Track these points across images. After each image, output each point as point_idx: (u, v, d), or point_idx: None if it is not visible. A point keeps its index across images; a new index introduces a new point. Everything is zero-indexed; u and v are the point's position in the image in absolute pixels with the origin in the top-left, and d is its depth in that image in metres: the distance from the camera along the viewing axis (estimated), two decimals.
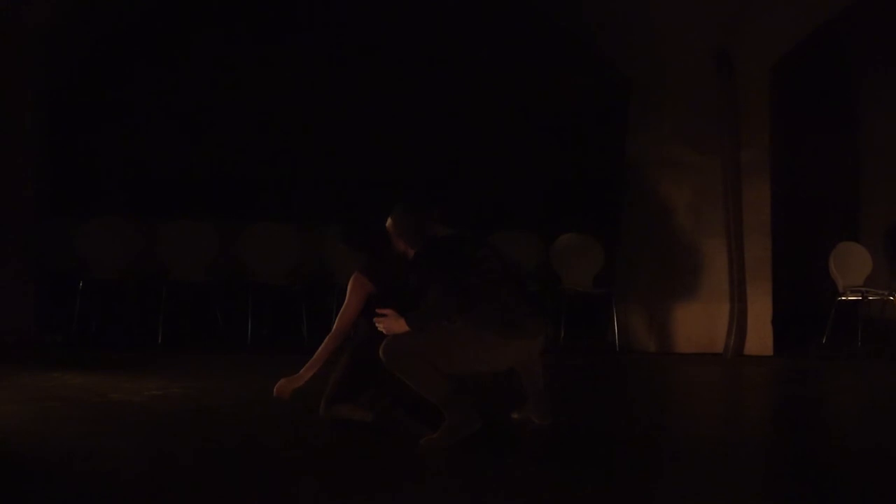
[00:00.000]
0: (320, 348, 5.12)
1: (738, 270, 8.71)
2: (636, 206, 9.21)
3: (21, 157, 8.20)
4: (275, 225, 9.15)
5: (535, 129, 10.50)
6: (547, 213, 10.13)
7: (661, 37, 8.84)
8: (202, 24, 9.96)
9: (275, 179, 9.94)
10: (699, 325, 8.82)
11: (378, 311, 4.84)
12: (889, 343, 9.35)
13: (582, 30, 9.61)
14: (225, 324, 8.83)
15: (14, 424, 5.02)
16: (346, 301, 5.18)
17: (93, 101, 9.69)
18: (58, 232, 8.74)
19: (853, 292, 9.35)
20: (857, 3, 9.02)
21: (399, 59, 10.12)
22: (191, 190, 9.63)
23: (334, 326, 5.16)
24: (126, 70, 9.86)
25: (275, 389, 5.10)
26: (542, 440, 4.98)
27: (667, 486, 4.27)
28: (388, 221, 5.05)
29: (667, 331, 8.88)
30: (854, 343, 9.22)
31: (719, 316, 8.75)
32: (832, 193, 11.39)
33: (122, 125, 9.84)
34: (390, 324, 4.75)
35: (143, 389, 6.07)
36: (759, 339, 8.70)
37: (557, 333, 8.79)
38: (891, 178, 11.09)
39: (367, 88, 10.17)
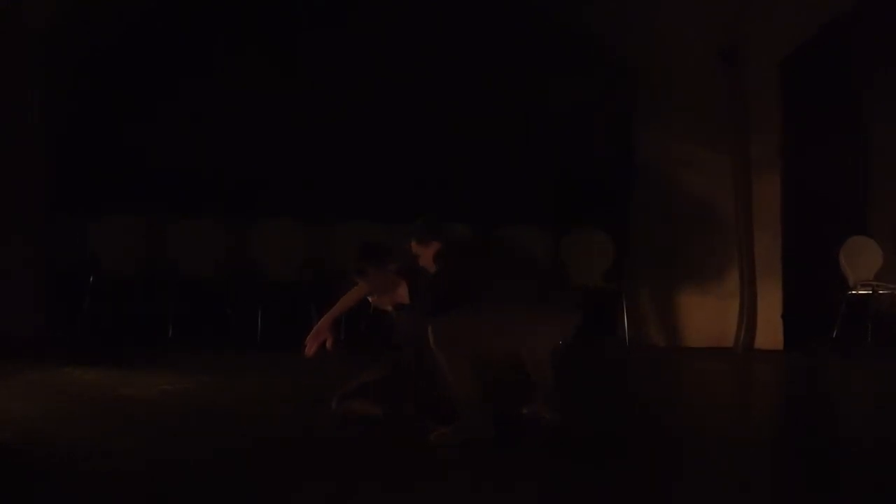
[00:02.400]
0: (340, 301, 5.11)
1: (748, 265, 8.70)
2: (646, 201, 9.19)
3: (30, 156, 8.22)
4: (284, 221, 9.16)
5: (544, 124, 10.49)
6: (557, 209, 10.11)
7: (668, 33, 8.83)
8: (209, 21, 9.95)
9: (284, 176, 9.93)
10: (709, 319, 8.80)
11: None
12: None
13: (589, 27, 9.59)
14: (235, 320, 8.84)
15: (24, 420, 5.04)
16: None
17: (102, 99, 9.69)
18: (69, 229, 8.76)
19: (863, 287, 9.31)
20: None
21: (407, 56, 10.10)
22: (200, 187, 9.63)
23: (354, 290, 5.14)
24: (135, 67, 9.86)
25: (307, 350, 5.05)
26: (551, 436, 4.97)
27: (678, 481, 4.26)
28: (412, 242, 5.07)
29: (677, 326, 8.86)
30: (864, 338, 9.18)
31: (729, 311, 8.73)
32: (842, 188, 11.34)
33: (131, 123, 9.84)
34: None
35: (153, 386, 6.08)
36: (770, 333, 8.69)
37: None
38: None
39: (375, 84, 10.15)
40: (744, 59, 8.77)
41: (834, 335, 9.21)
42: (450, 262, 4.94)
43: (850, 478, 4.31)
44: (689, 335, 8.81)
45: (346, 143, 10.14)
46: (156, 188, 9.60)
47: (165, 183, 9.67)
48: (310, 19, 10.20)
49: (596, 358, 8.31)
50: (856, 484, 4.21)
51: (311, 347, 5.07)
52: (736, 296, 8.72)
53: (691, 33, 8.75)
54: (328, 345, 5.05)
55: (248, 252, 9.06)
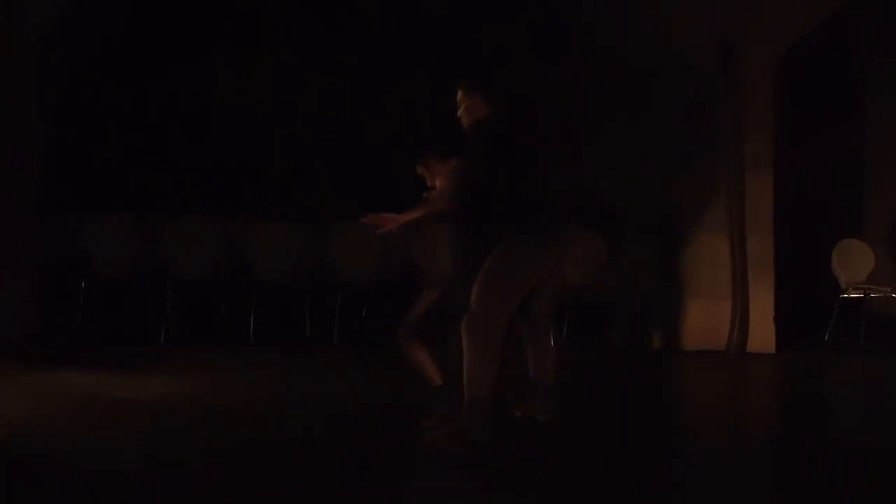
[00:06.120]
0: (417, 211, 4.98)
1: (741, 267, 8.71)
2: (640, 201, 9.22)
3: (26, 156, 8.21)
4: (279, 222, 9.15)
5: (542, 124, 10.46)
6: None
7: (666, 31, 8.84)
8: (206, 23, 9.95)
9: (279, 177, 9.94)
10: (702, 321, 8.82)
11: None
12: (891, 340, 9.34)
13: (585, 24, 9.59)
14: (228, 321, 8.83)
15: (19, 422, 5.03)
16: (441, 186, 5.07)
17: (98, 99, 9.68)
18: (63, 230, 8.74)
19: (856, 289, 9.34)
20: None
21: (404, 57, 10.10)
22: (195, 188, 9.62)
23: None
24: (131, 68, 9.86)
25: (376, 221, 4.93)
26: (544, 438, 4.97)
27: (673, 484, 4.27)
28: (463, 87, 5.02)
29: (670, 327, 8.88)
30: (856, 340, 9.21)
31: (722, 312, 8.75)
32: (836, 189, 11.37)
33: (127, 123, 9.84)
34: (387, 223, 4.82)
35: (148, 388, 6.08)
36: (762, 335, 8.71)
37: (560, 331, 8.79)
38: (895, 175, 11.08)
39: (371, 85, 10.15)
40: (739, 58, 8.78)
41: (826, 338, 9.25)
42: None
43: (844, 480, 4.32)
44: (682, 337, 8.83)
45: (342, 143, 10.13)
46: (151, 188, 9.59)
47: (161, 183, 9.67)
48: (311, 19, 10.20)
49: (589, 359, 8.32)
50: (851, 486, 4.22)
51: (378, 223, 4.90)
52: (729, 297, 8.73)
53: (687, 33, 8.76)
54: (387, 228, 4.92)
55: (242, 252, 9.04)
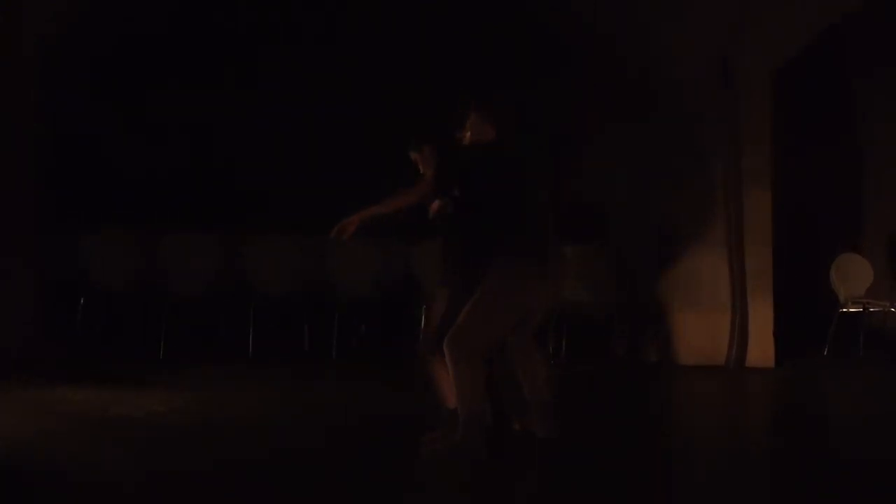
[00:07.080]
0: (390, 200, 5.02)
1: (740, 281, 8.70)
2: (636, 215, 9.22)
3: (25, 170, 8.20)
4: (277, 236, 9.14)
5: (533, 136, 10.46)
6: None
7: (663, 43, 8.85)
8: (205, 35, 9.98)
9: (277, 191, 9.94)
10: (701, 336, 8.81)
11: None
12: (891, 354, 9.34)
13: (585, 25, 9.58)
14: (227, 336, 8.82)
15: (16, 439, 5.02)
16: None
17: (96, 113, 9.69)
18: (61, 244, 8.74)
19: (855, 304, 9.34)
20: (861, 10, 9.03)
21: (404, 65, 10.11)
22: (193, 202, 9.63)
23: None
24: (129, 82, 9.88)
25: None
26: (544, 453, 4.97)
27: (673, 494, 4.27)
28: (476, 114, 5.08)
29: (668, 342, 8.87)
30: (856, 354, 9.21)
31: (721, 327, 8.74)
32: (834, 204, 11.38)
33: (124, 137, 9.85)
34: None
35: (145, 404, 6.07)
36: (761, 350, 8.69)
37: (559, 346, 8.78)
38: (893, 189, 11.09)
39: (370, 95, 10.16)
40: (739, 68, 8.79)
41: (825, 352, 9.24)
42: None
43: (844, 493, 4.32)
44: (680, 351, 8.82)
45: (341, 157, 10.14)
46: (149, 203, 9.59)
47: (158, 197, 9.67)
48: (311, 32, 10.21)
49: (588, 374, 8.32)
50: (849, 495, 4.22)
51: (344, 230, 5.01)
52: (727, 312, 8.72)
53: (691, 41, 8.77)
54: (349, 231, 4.97)
55: (240, 266, 9.03)
